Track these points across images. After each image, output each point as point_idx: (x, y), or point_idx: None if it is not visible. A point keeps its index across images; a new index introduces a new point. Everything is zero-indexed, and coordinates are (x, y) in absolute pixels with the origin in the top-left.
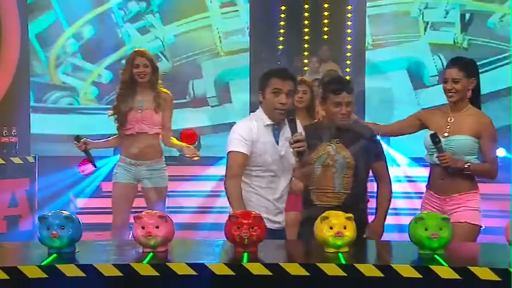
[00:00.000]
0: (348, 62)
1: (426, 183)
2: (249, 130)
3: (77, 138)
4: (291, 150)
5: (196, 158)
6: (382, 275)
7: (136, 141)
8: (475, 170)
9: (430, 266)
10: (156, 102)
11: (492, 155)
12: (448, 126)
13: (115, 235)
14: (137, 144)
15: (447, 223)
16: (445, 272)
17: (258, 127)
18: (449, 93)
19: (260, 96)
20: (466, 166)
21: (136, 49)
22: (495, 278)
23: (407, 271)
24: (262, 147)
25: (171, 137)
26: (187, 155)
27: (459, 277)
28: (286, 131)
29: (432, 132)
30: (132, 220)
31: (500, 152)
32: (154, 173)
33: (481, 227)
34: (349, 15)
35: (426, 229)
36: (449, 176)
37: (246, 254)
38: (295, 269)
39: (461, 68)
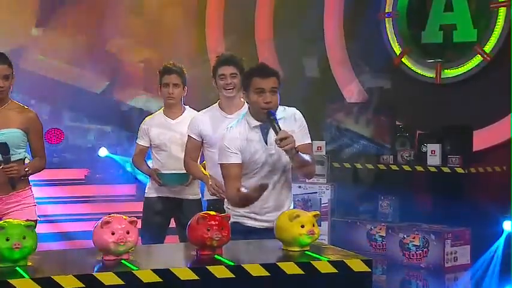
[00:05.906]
0: None
1: None
2: (235, 138)
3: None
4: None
5: None
6: None
7: None
8: None
9: (9, 280)
10: None
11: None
12: None
13: None
14: None
15: (31, 231)
16: None
17: (245, 130)
18: None
19: (244, 96)
20: None
21: None
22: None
23: None
24: (251, 150)
25: None
26: None
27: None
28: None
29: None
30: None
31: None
32: None
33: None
34: None
35: (8, 239)
36: None
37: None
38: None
39: None
